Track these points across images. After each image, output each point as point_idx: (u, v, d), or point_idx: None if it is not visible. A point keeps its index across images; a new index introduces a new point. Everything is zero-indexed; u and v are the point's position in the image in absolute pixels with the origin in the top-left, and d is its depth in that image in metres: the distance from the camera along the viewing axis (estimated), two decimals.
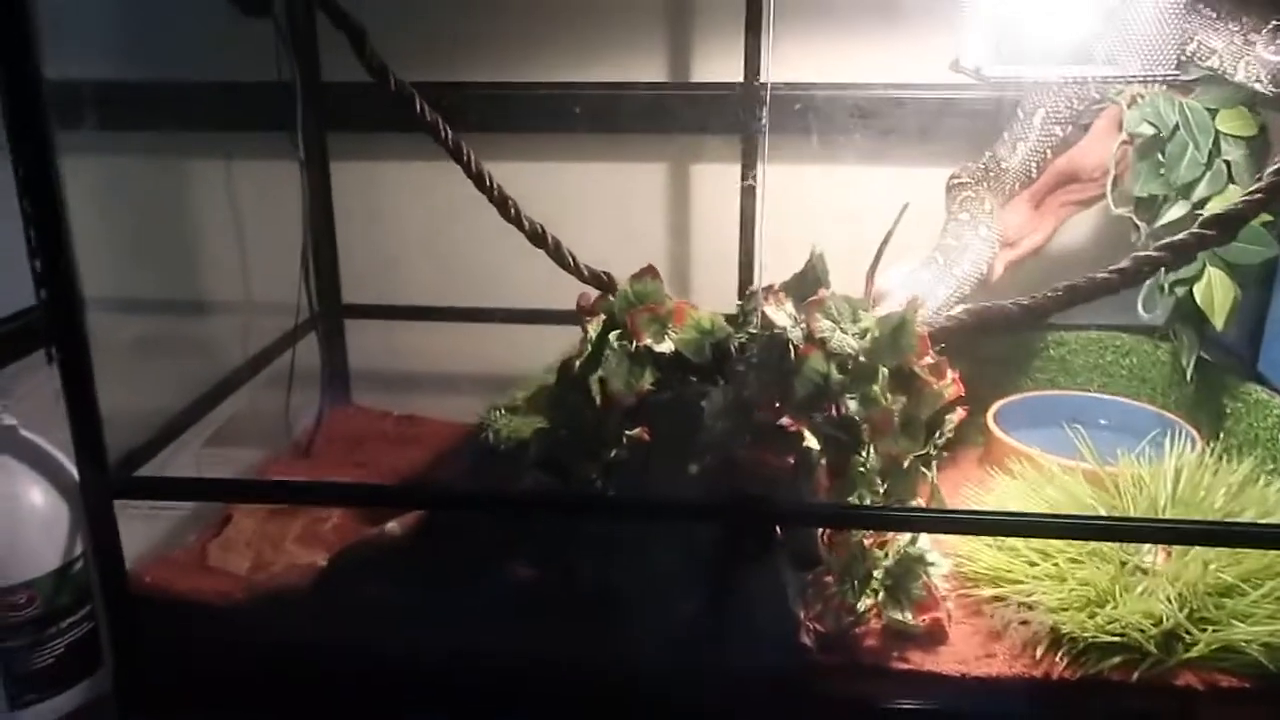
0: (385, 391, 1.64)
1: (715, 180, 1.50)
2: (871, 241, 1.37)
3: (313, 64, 1.41)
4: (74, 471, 0.94)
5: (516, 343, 1.61)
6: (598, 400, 0.95)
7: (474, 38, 1.47)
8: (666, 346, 0.92)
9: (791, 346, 0.89)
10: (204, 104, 1.39)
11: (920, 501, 0.96)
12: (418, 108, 0.95)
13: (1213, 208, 1.20)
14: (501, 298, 1.56)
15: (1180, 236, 0.88)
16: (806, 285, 0.94)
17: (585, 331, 1.06)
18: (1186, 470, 1.14)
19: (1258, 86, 1.13)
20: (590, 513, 0.95)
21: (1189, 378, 1.29)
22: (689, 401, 0.91)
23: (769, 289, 0.93)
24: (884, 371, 0.94)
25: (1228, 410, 1.28)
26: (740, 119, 1.39)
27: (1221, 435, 1.28)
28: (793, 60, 1.39)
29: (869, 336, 0.90)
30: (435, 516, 1.06)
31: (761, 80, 0.91)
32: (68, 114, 1.18)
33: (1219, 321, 1.21)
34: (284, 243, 1.46)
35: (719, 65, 1.44)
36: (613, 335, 0.97)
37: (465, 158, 0.98)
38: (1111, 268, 0.90)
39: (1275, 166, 0.86)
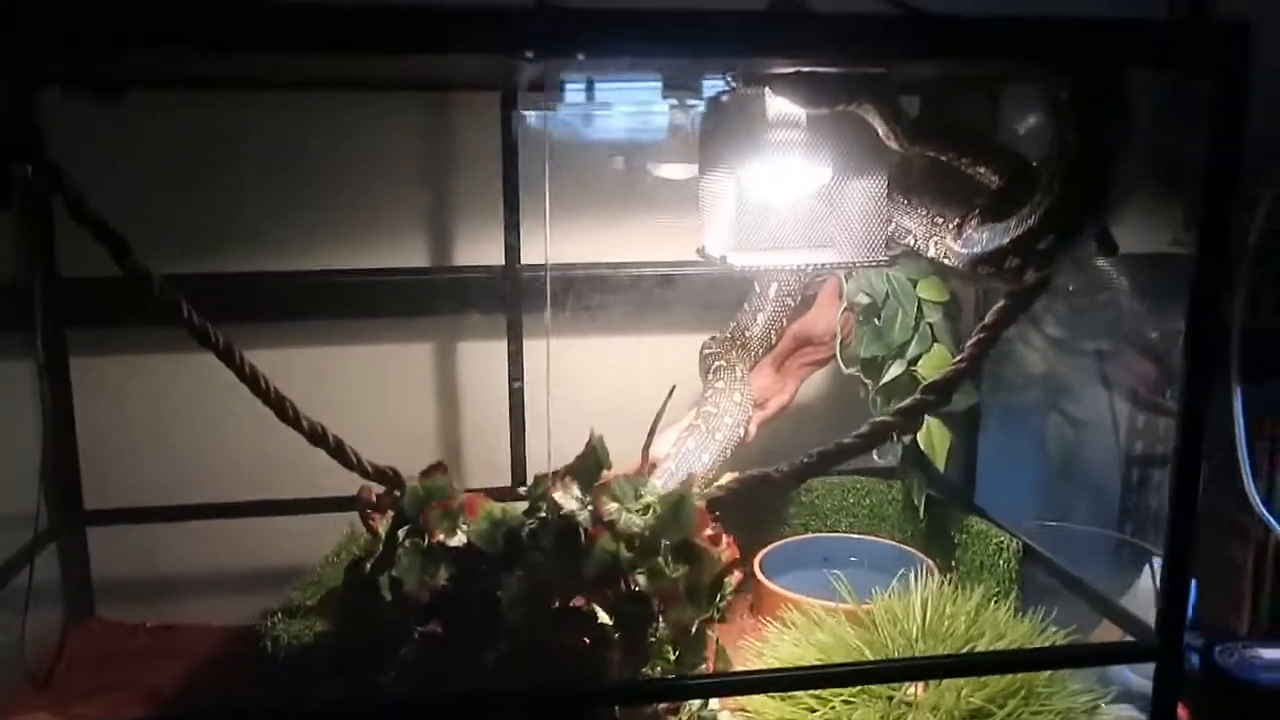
0: (136, 601, 1.51)
1: (482, 358, 1.54)
2: (640, 405, 1.46)
3: (49, 259, 1.34)
4: None
5: (279, 535, 1.55)
6: (389, 599, 0.94)
7: (234, 228, 1.47)
8: (460, 540, 0.93)
9: (581, 530, 0.93)
10: None
11: (708, 664, 1.01)
12: (184, 313, 0.94)
13: (924, 364, 1.39)
14: (259, 488, 1.51)
15: (907, 403, 1.02)
16: (590, 468, 0.99)
17: (369, 529, 1.05)
18: (931, 602, 1.27)
19: (946, 261, 1.32)
20: (393, 717, 0.92)
21: (920, 514, 1.44)
22: (485, 592, 0.92)
23: (555, 474, 0.97)
24: (664, 543, 0.99)
25: (955, 541, 1.44)
26: (502, 299, 1.46)
27: (954, 564, 1.43)
28: (560, 244, 1.49)
29: (651, 513, 0.96)
30: None
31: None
32: None
33: (940, 463, 1.37)
34: (17, 449, 1.35)
35: (482, 249, 1.50)
36: (402, 531, 0.97)
37: (237, 361, 0.96)
38: (855, 433, 1.02)
39: (973, 340, 1.02)
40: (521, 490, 1.12)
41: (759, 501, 1.51)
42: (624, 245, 1.53)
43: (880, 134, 1.09)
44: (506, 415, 1.50)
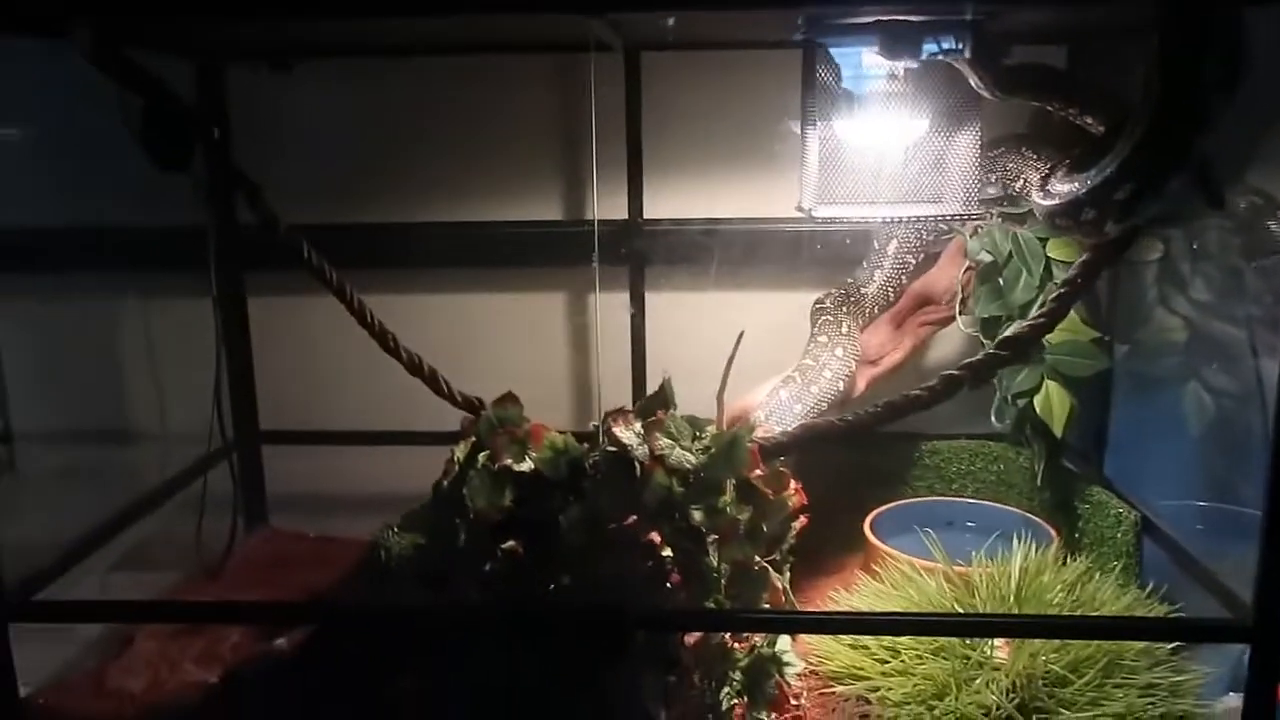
0: (306, 514, 1.71)
1: (608, 307, 1.61)
2: (750, 359, 1.49)
3: (229, 208, 1.53)
4: None
5: (432, 462, 1.70)
6: (471, 516, 1.03)
7: (392, 181, 1.61)
8: (526, 465, 1.00)
9: (637, 463, 0.98)
10: (131, 246, 1.50)
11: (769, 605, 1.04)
12: (304, 253, 1.06)
13: None
14: (415, 420, 1.65)
15: (977, 358, 0.99)
16: (654, 406, 1.03)
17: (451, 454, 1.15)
18: (1031, 568, 1.23)
19: None
20: (456, 625, 1.01)
21: (1040, 482, 1.38)
22: (548, 516, 1.00)
23: (620, 411, 1.02)
24: (730, 485, 1.03)
25: (1078, 511, 1.38)
26: (625, 251, 1.53)
27: (1077, 535, 1.37)
28: (670, 199, 1.54)
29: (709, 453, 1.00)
30: (322, 631, 1.12)
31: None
32: None
33: (1058, 429, 1.31)
34: (204, 375, 1.55)
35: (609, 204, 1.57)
36: (481, 456, 1.05)
37: (348, 296, 1.08)
38: (922, 385, 1.01)
39: (1055, 294, 0.98)
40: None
41: (881, 459, 1.51)
42: (752, 201, 1.55)
43: (973, 84, 1.06)
44: (629, 361, 1.57)
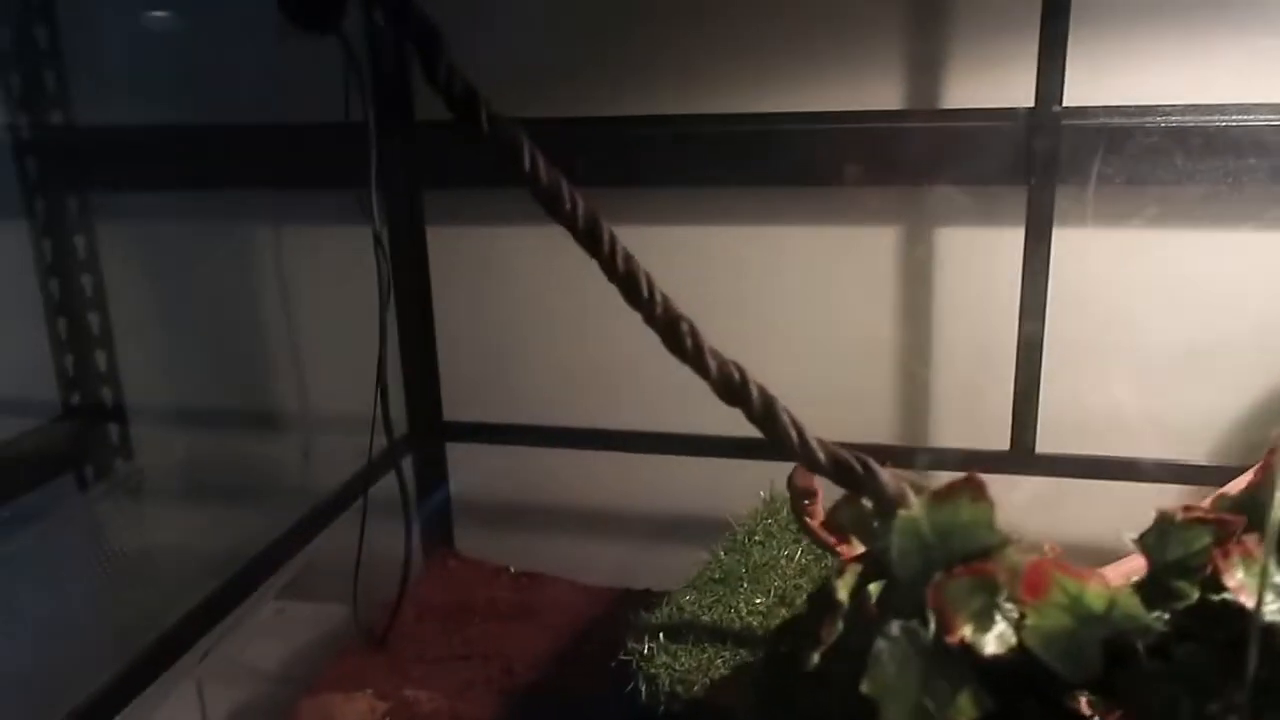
0: (498, 533, 1.22)
1: (977, 249, 1.02)
2: (1240, 349, 0.89)
3: (403, 97, 1.02)
4: None
5: (674, 476, 1.17)
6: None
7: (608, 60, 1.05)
8: (1001, 642, 0.45)
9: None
10: (265, 154, 1.01)
11: None
12: (525, 161, 0.53)
13: None
14: (657, 414, 1.13)
15: None
16: None
17: (808, 530, 0.61)
18: None
19: None
20: None
21: None
22: None
23: (1226, 529, 0.45)
24: None
25: None
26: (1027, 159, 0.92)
27: None
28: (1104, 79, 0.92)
29: None
30: None
31: None
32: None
33: None
34: (367, 341, 1.07)
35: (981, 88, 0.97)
36: (872, 586, 0.50)
37: (607, 248, 0.54)
38: None
39: None
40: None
41: None
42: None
43: None
44: (1009, 353, 0.98)
